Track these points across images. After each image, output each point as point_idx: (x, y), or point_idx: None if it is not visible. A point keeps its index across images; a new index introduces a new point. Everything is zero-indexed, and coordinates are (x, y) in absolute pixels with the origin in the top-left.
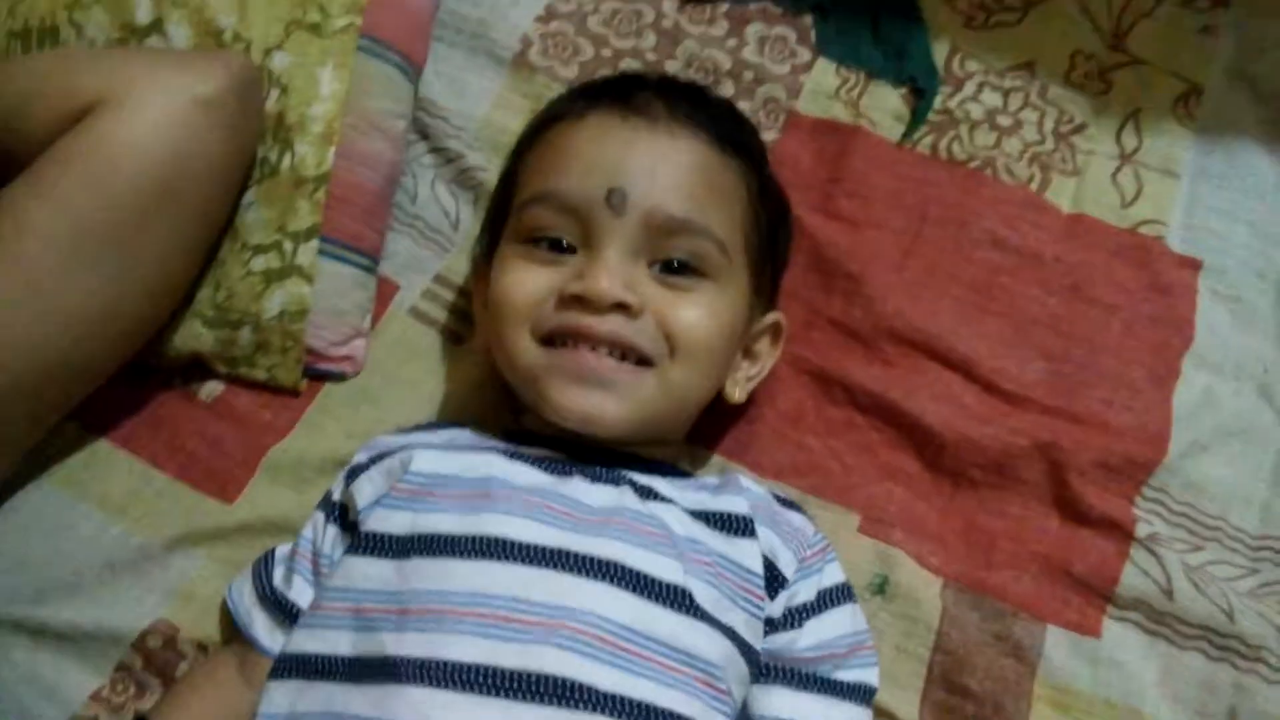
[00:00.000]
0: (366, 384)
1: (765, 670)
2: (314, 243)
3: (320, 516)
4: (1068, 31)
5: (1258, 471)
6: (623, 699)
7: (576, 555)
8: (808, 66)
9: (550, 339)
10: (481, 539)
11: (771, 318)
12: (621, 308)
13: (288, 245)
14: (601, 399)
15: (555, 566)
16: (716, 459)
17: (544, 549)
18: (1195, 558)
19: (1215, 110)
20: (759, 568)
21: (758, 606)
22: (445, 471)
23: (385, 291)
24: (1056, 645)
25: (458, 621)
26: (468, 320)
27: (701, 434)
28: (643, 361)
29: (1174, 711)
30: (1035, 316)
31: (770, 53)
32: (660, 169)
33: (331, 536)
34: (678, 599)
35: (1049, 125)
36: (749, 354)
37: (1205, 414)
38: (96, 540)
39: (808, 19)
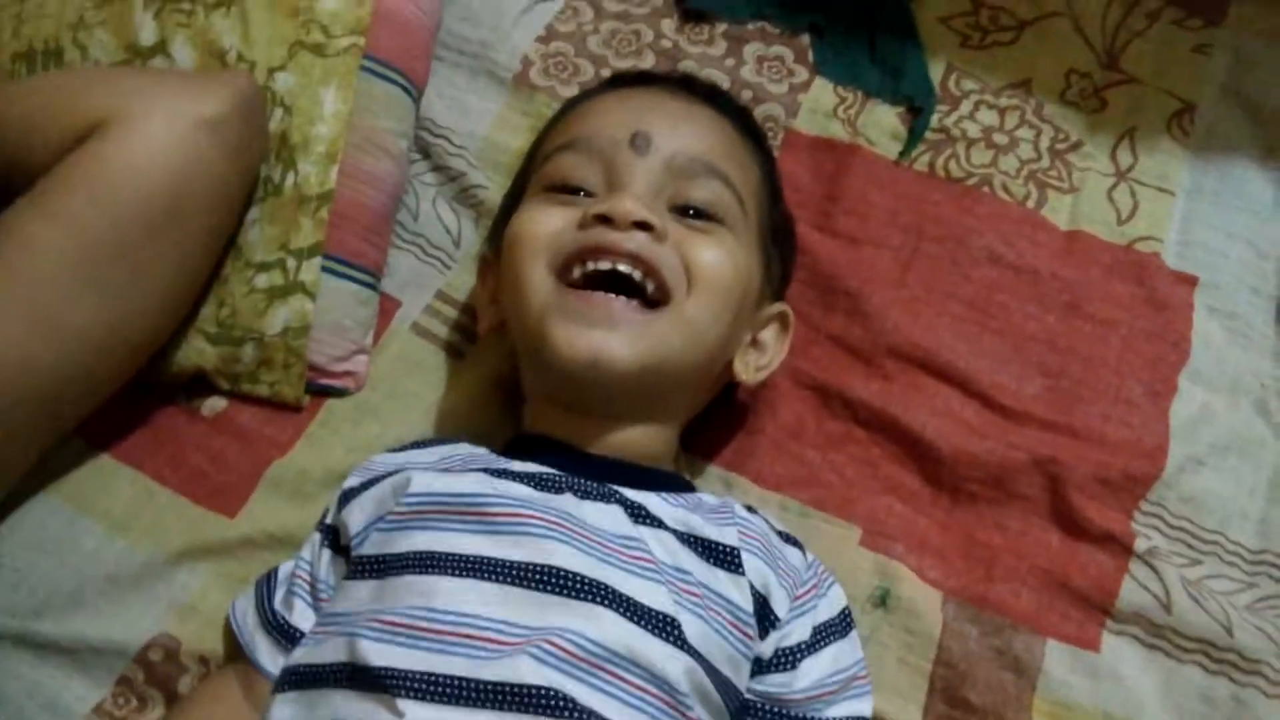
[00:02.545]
0: (368, 399)
1: (753, 711)
2: (317, 260)
3: (317, 538)
4: (1062, 50)
5: (1255, 486)
6: (598, 715)
7: (569, 575)
8: (805, 86)
9: (567, 267)
10: (469, 558)
11: (779, 306)
12: (646, 227)
13: (291, 262)
14: (607, 337)
15: (547, 588)
16: (718, 471)
17: (538, 568)
18: (1193, 572)
19: (1209, 128)
20: (749, 604)
21: (745, 644)
22: (439, 490)
23: (387, 308)
24: (1056, 659)
25: (443, 642)
26: (470, 336)
27: (701, 445)
28: (655, 302)
29: None
30: (1033, 333)
31: (768, 72)
32: (683, 123)
33: (326, 561)
34: (665, 627)
35: (1045, 143)
36: (756, 344)
37: (1202, 429)
38: (99, 554)
39: (805, 39)
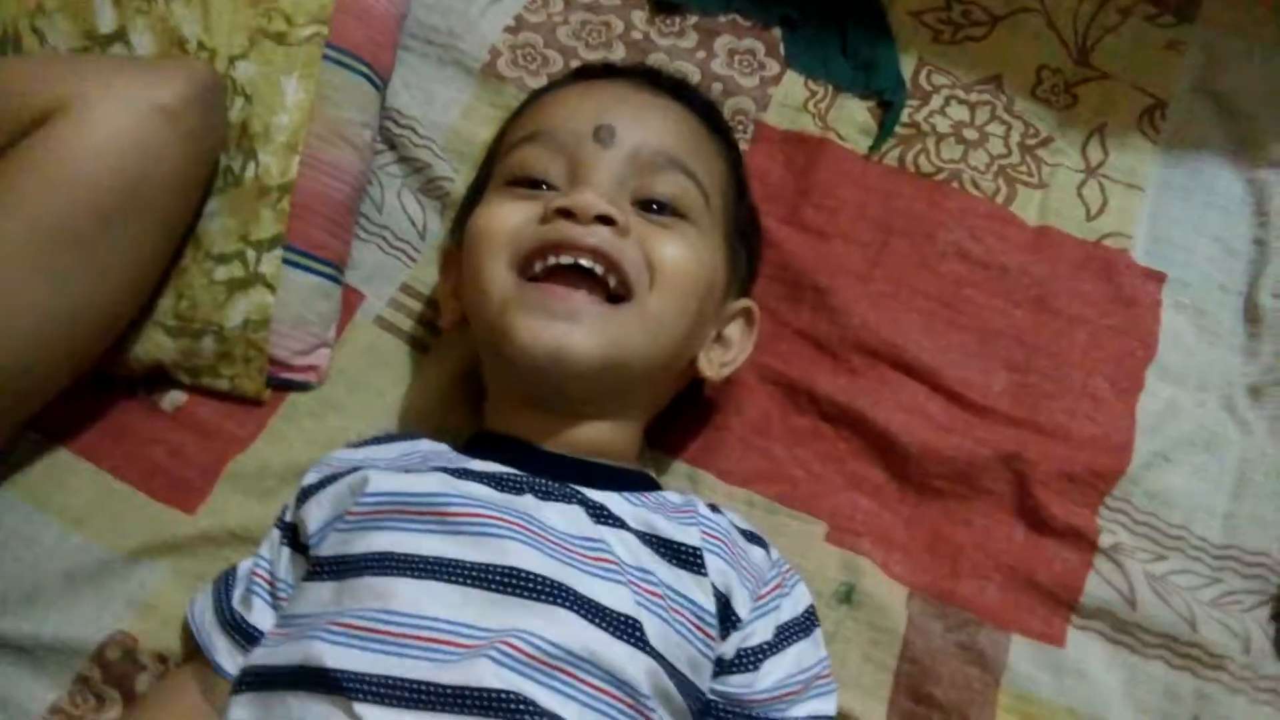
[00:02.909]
0: (331, 393)
1: (715, 712)
2: (277, 252)
3: (276, 535)
4: (1034, 46)
5: (1220, 483)
6: (557, 718)
7: (529, 575)
8: (776, 79)
9: (529, 262)
10: (428, 559)
11: (744, 302)
12: (608, 221)
13: (251, 254)
14: (569, 330)
15: (506, 590)
16: (683, 467)
17: (497, 569)
18: (1158, 567)
19: (1180, 124)
20: (711, 604)
21: (707, 644)
22: (398, 490)
23: (351, 301)
24: (1021, 654)
25: (401, 644)
26: (434, 330)
27: (667, 441)
28: (617, 297)
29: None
30: (1000, 328)
31: (739, 65)
32: (648, 115)
33: (285, 559)
34: (626, 628)
35: (1015, 138)
36: (720, 339)
37: (1168, 425)
38: (56, 550)
39: (776, 32)
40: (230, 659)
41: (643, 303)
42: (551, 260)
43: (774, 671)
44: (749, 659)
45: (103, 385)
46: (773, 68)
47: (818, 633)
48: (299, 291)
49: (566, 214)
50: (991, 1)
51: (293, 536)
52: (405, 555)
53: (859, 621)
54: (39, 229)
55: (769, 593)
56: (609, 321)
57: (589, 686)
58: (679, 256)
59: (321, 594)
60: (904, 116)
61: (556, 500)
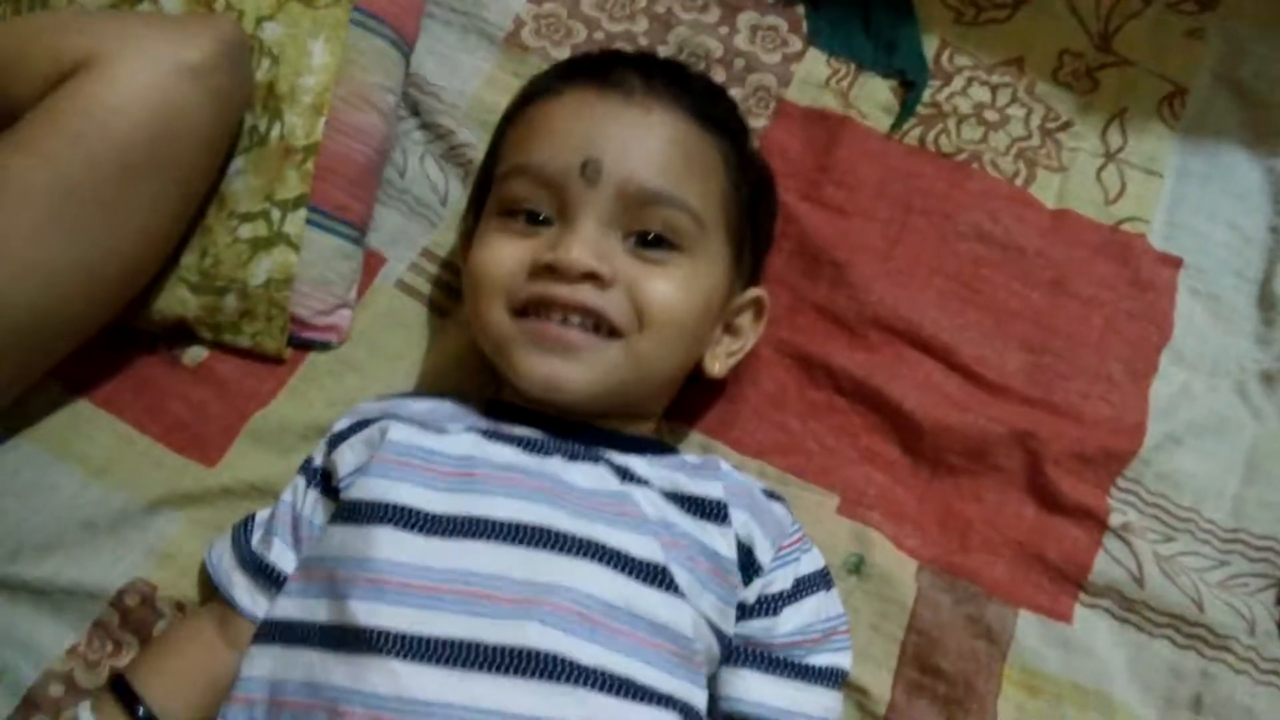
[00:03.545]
0: (351, 354)
1: (735, 653)
2: (301, 212)
3: (301, 481)
4: (1056, 30)
5: (1230, 467)
6: (604, 673)
7: (557, 533)
8: (799, 56)
9: (524, 310)
10: (463, 519)
11: (753, 293)
12: (592, 277)
13: (275, 214)
14: (563, 365)
15: (537, 545)
16: (698, 436)
17: (525, 527)
18: (1167, 548)
19: (1200, 112)
20: (733, 553)
21: (730, 591)
22: (427, 446)
23: (372, 264)
24: (1028, 629)
25: (438, 598)
26: (453, 294)
27: (683, 411)
28: (613, 333)
29: (1141, 697)
30: (1017, 309)
31: (762, 41)
32: (635, 142)
33: (312, 501)
34: (657, 577)
35: (1036, 121)
36: (730, 329)
37: (1181, 409)
38: (76, 499)
39: (799, 9)
40: (249, 596)
41: (632, 342)
42: (542, 317)
43: (793, 618)
44: (769, 605)
45: (125, 339)
46: (795, 44)
47: (836, 591)
48: (321, 252)
49: (553, 268)
50: None
51: (324, 481)
52: (435, 514)
53: (868, 592)
54: (62, 181)
55: (791, 544)
56: (601, 355)
57: (634, 639)
58: (668, 297)
59: (351, 540)
60: (925, 97)
61: (582, 461)
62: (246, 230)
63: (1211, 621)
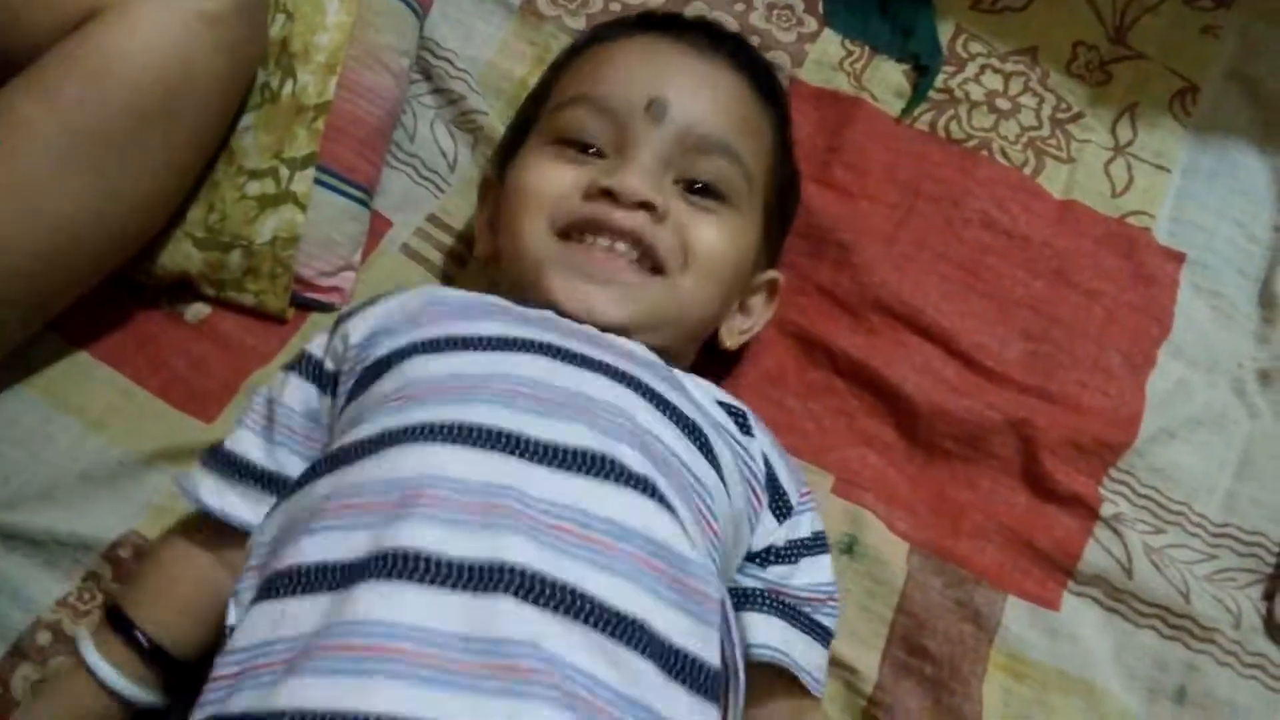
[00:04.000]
0: None
1: (754, 598)
2: (310, 171)
3: (281, 376)
4: (1071, 21)
5: (1224, 462)
6: (647, 481)
7: (604, 364)
8: (814, 36)
9: (566, 232)
10: (499, 338)
11: (770, 274)
12: (648, 207)
13: (284, 171)
14: (603, 294)
15: (584, 367)
16: None
17: (570, 351)
18: (1157, 540)
19: (1211, 109)
20: (761, 466)
21: (754, 507)
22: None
23: (378, 227)
24: (1015, 615)
25: (475, 394)
26: (459, 262)
27: None
28: (655, 270)
29: (1125, 686)
30: (1019, 297)
31: (777, 20)
32: (702, 91)
33: (294, 387)
34: (697, 435)
35: (1047, 111)
36: (743, 308)
37: (1177, 403)
38: (73, 451)
39: None
40: (251, 510)
41: (675, 281)
42: (590, 239)
43: (809, 571)
44: (792, 552)
45: (127, 293)
46: (810, 25)
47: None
48: (328, 212)
49: (609, 193)
50: None
51: (331, 377)
52: (472, 336)
53: (858, 573)
54: (73, 125)
55: (807, 495)
56: (642, 290)
57: (668, 472)
58: (714, 242)
59: (386, 387)
60: (938, 82)
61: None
62: (254, 187)
63: (1198, 614)
